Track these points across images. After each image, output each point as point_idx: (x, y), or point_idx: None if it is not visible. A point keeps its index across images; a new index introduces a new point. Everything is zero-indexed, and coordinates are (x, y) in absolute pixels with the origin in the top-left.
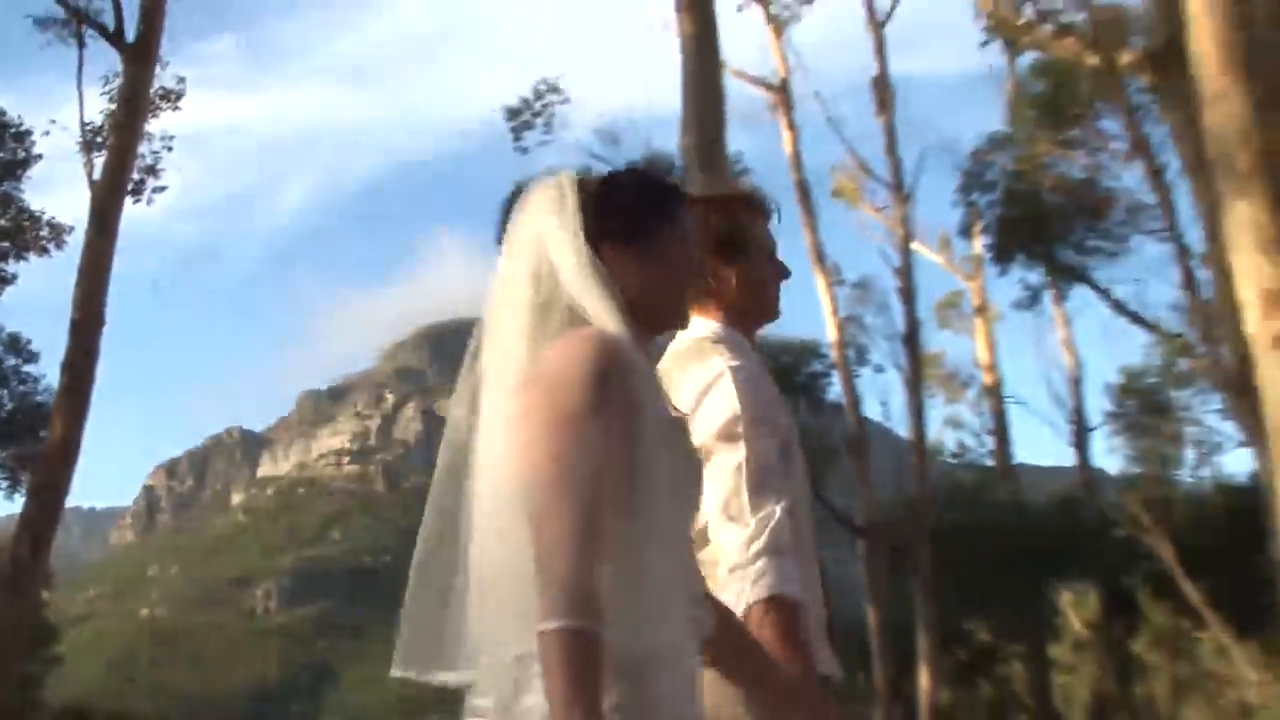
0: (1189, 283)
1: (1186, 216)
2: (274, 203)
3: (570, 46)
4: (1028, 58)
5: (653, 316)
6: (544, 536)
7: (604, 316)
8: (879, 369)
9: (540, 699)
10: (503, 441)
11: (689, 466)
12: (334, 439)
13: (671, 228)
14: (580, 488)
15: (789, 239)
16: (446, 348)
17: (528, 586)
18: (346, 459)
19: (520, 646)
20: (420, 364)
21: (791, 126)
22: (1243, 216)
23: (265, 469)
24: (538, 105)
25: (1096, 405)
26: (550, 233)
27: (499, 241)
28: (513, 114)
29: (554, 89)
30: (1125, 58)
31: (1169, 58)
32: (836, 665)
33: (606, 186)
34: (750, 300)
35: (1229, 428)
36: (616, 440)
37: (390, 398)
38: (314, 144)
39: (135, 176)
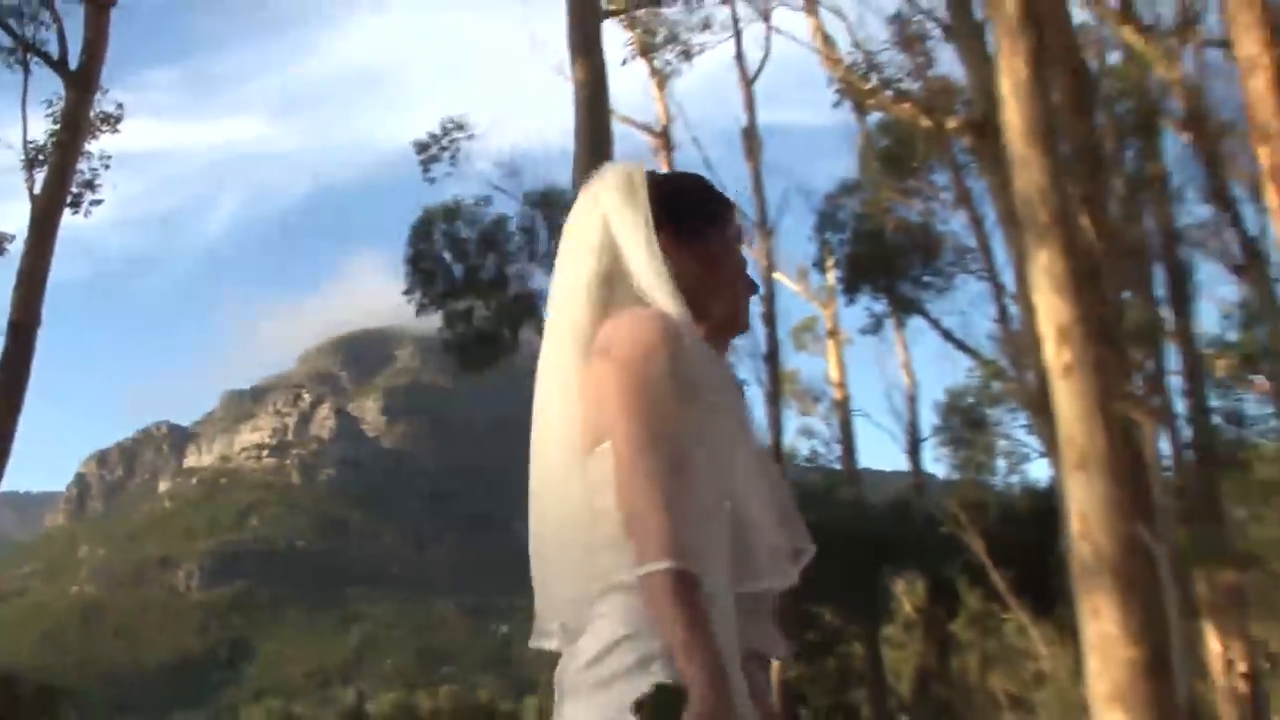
0: (1003, 316)
1: (1002, 260)
2: (205, 219)
3: (477, 89)
4: (875, 117)
5: (691, 309)
6: (633, 491)
7: (665, 299)
8: (743, 383)
9: (590, 641)
10: (560, 404)
11: (738, 429)
12: (254, 434)
13: (721, 233)
14: (662, 447)
15: None
16: (358, 354)
17: (582, 536)
18: (265, 453)
19: (574, 591)
20: (334, 368)
21: (671, 166)
22: (1042, 263)
23: (190, 460)
24: (445, 141)
25: (928, 419)
26: (616, 214)
27: (406, 260)
28: (422, 148)
29: (460, 127)
30: (952, 123)
31: (986, 127)
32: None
33: (668, 184)
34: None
35: (1033, 441)
36: (681, 406)
37: (306, 398)
38: (244, 168)
39: (74, 190)
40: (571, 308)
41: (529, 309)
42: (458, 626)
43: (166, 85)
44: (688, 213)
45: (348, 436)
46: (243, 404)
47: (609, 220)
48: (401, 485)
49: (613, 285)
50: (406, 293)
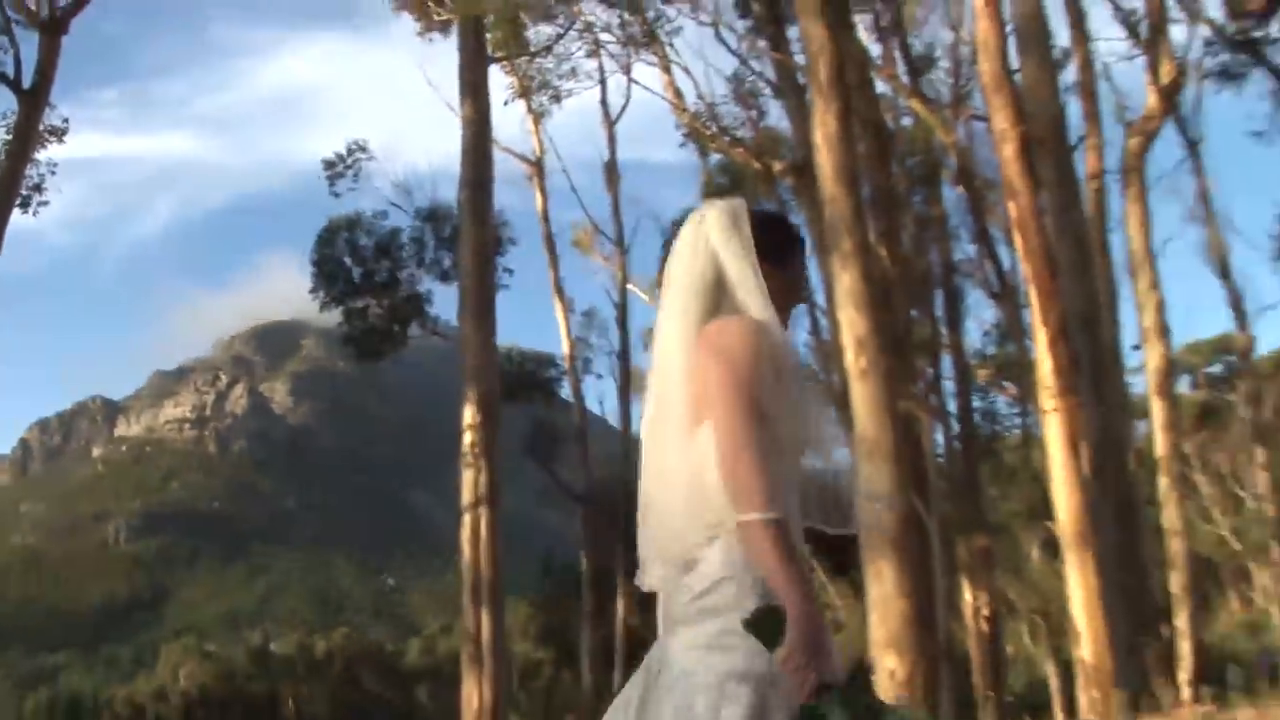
0: (815, 328)
1: (815, 281)
2: (140, 221)
3: (379, 116)
4: (715, 158)
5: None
6: (733, 458)
7: (760, 308)
8: (599, 376)
9: (697, 579)
10: (675, 390)
11: (814, 409)
12: (177, 409)
13: (797, 260)
14: (755, 424)
15: (537, 277)
16: (271, 342)
17: (692, 493)
18: (187, 426)
19: (683, 536)
20: (250, 354)
21: (543, 191)
22: (845, 285)
23: (121, 430)
24: (349, 160)
25: None
26: (722, 239)
27: (312, 263)
28: (329, 166)
29: (362, 148)
30: (778, 166)
31: (804, 169)
32: None
33: (763, 218)
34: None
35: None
36: (774, 390)
37: (224, 379)
38: (176, 177)
39: (23, 192)
40: (682, 315)
41: (417, 309)
42: (351, 578)
43: (109, 103)
44: (774, 243)
45: (259, 413)
46: (168, 382)
47: (713, 243)
48: (304, 457)
49: (716, 296)
50: (312, 291)
